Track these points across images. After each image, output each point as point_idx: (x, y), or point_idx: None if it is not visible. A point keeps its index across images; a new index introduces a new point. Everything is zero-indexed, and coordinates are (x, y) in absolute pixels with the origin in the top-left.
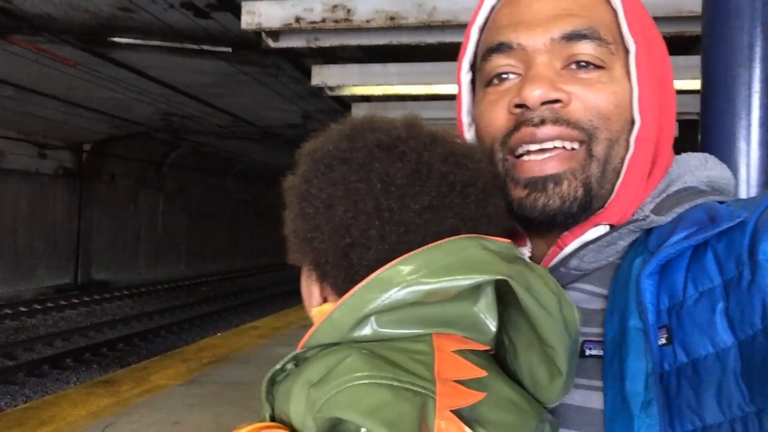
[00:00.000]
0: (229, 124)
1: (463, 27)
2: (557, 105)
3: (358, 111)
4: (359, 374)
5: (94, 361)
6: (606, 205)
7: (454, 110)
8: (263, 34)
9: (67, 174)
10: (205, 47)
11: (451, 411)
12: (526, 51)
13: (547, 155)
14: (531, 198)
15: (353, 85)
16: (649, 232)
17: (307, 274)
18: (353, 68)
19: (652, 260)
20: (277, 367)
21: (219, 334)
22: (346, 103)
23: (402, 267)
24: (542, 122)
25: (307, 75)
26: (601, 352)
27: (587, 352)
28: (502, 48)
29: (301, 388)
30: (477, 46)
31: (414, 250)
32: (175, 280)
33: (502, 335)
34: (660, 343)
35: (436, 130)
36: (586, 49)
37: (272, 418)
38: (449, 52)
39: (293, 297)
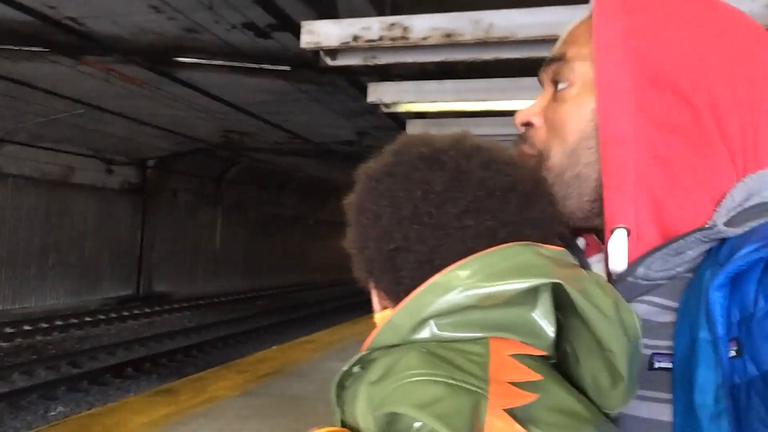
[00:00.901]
0: (285, 140)
1: (519, 43)
2: (528, 127)
3: (413, 128)
4: (416, 371)
5: (154, 371)
6: (600, 210)
7: (509, 126)
8: (321, 53)
9: (132, 189)
10: (265, 66)
11: (504, 410)
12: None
13: None
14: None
15: (408, 102)
16: (722, 244)
17: (368, 283)
18: (408, 85)
19: (721, 272)
20: (345, 369)
21: (274, 347)
22: (401, 120)
23: (459, 271)
24: (521, 140)
25: (363, 92)
26: (670, 365)
27: (656, 365)
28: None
29: (364, 388)
30: None
31: (454, 253)
32: (232, 294)
33: (563, 343)
34: (730, 355)
35: (482, 142)
36: (555, 70)
37: (343, 423)
38: (505, 69)
39: (346, 312)
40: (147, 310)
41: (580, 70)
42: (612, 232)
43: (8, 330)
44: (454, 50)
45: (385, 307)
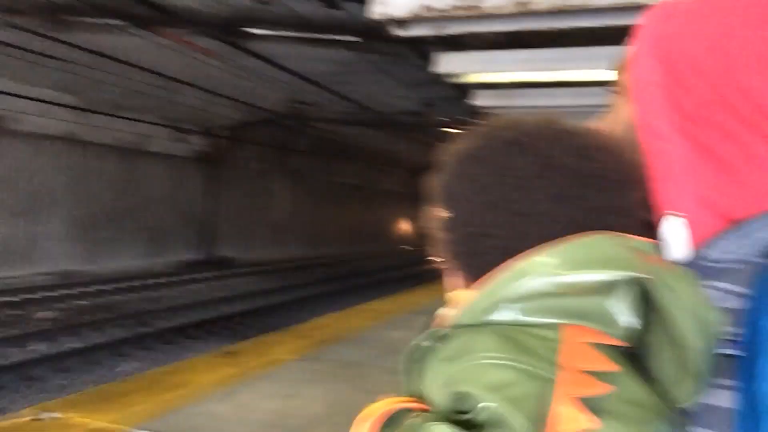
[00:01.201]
0: (351, 110)
1: (597, 11)
2: None
3: (481, 98)
4: (488, 354)
5: (218, 332)
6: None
7: (583, 97)
8: (391, 23)
9: (202, 158)
10: (333, 37)
11: (576, 398)
12: None
13: None
14: None
15: (476, 72)
16: None
17: (447, 263)
18: (477, 55)
19: None
20: (417, 342)
21: (332, 314)
22: (468, 91)
23: (541, 258)
24: None
25: (429, 62)
26: (734, 351)
27: (720, 351)
28: None
29: (435, 364)
30: None
31: (538, 240)
32: (293, 260)
33: (641, 333)
34: None
35: (572, 126)
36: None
37: (410, 394)
38: (580, 38)
39: (401, 282)
40: (212, 274)
41: (620, 78)
42: (663, 220)
43: (84, 289)
44: (528, 19)
45: (465, 287)
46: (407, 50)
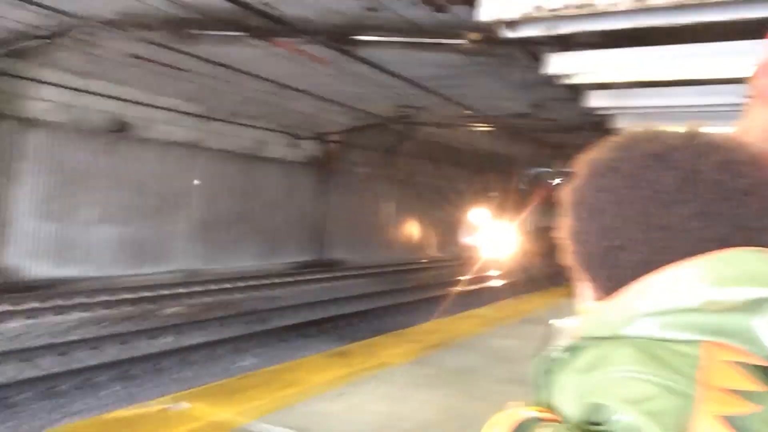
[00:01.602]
0: (458, 114)
1: (720, 5)
2: None
3: (595, 99)
4: (626, 367)
5: (329, 332)
6: None
7: (706, 96)
8: (500, 25)
9: (314, 162)
10: (442, 41)
11: (719, 417)
12: None
13: None
14: None
15: (590, 72)
16: None
17: (578, 274)
18: (591, 54)
19: None
20: (548, 354)
21: (442, 319)
22: (581, 91)
23: (682, 272)
24: None
25: (540, 63)
26: None
27: None
28: None
29: (569, 376)
30: None
31: (679, 255)
32: (402, 264)
33: None
34: None
35: (718, 137)
36: None
37: (539, 404)
38: (702, 33)
39: (513, 289)
40: (323, 275)
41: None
42: None
43: (207, 287)
44: (646, 15)
45: (598, 299)
46: (517, 51)
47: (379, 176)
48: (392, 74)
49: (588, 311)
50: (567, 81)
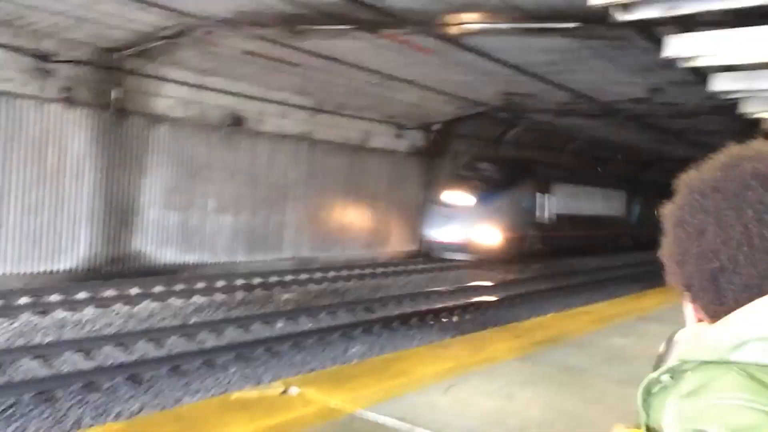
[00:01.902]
0: (568, 100)
1: None
2: None
3: (719, 82)
4: (734, 394)
5: (435, 323)
6: None
7: None
8: (614, 7)
9: (419, 152)
10: (551, 25)
11: None
12: None
13: None
14: None
15: (715, 54)
16: None
17: (682, 295)
18: (715, 35)
19: None
20: (653, 376)
21: (550, 314)
22: (702, 74)
23: None
24: None
25: (658, 45)
26: None
27: None
28: None
29: (672, 400)
30: None
31: None
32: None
33: None
34: None
35: None
36: None
37: (647, 427)
38: None
39: (626, 284)
40: (429, 265)
41: None
42: None
43: (317, 275)
44: None
45: (700, 320)
46: (633, 34)
47: None
48: (498, 61)
49: (693, 334)
50: (688, 64)
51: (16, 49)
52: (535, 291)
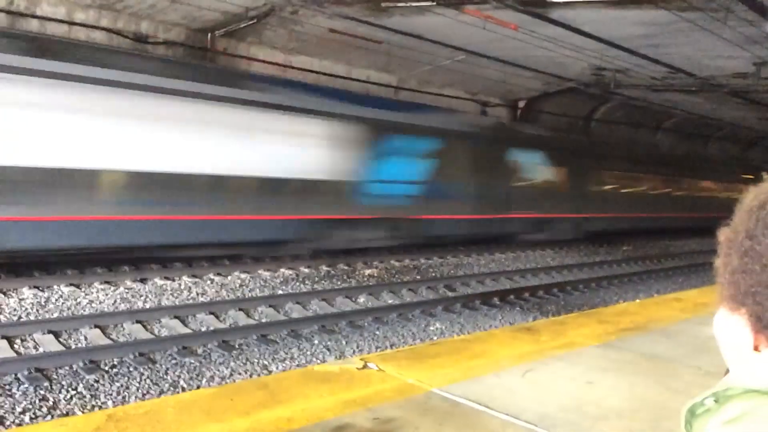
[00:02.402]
0: (664, 75)
1: None
2: None
3: None
4: None
5: (516, 304)
6: None
7: None
8: None
9: None
10: None
11: None
12: None
13: None
14: None
15: None
16: None
17: (737, 320)
18: None
19: None
20: (697, 400)
21: (637, 300)
22: None
23: None
24: None
25: (764, 15)
26: None
27: None
28: None
29: (715, 424)
30: None
31: None
32: (597, 236)
33: None
34: None
35: None
36: None
37: None
38: None
39: None
40: (513, 244)
41: None
42: None
43: (398, 252)
44: None
45: (756, 346)
46: (735, 3)
47: None
48: (588, 36)
49: (742, 359)
50: None
51: (117, 32)
52: (625, 274)
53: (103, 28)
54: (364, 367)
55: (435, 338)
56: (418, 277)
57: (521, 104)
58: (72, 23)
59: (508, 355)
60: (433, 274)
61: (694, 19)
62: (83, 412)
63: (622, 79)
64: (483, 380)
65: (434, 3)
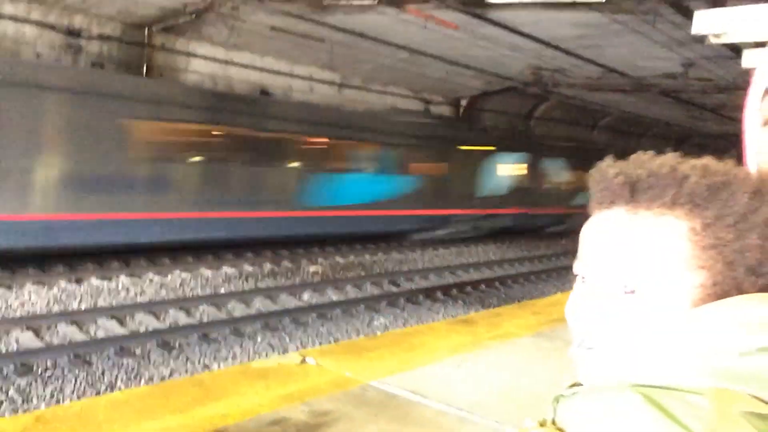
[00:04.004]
0: (599, 75)
1: None
2: None
3: (753, 58)
4: (629, 412)
5: (459, 298)
6: None
7: None
8: None
9: None
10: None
11: None
12: None
13: None
14: None
15: (746, 30)
16: None
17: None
18: (745, 10)
19: None
20: (567, 385)
21: (570, 291)
22: (737, 49)
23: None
24: None
25: (690, 19)
26: None
27: None
28: None
29: (575, 413)
30: None
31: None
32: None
33: None
34: None
35: None
36: None
37: (554, 423)
38: None
39: None
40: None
41: None
42: None
43: (343, 248)
44: None
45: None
46: (664, 7)
47: None
48: (526, 36)
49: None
50: (718, 41)
51: (49, 26)
52: (563, 267)
53: (34, 22)
54: (303, 362)
55: (379, 333)
56: (363, 273)
57: (464, 103)
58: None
59: (444, 347)
60: (378, 270)
61: (626, 21)
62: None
63: (559, 78)
64: (419, 371)
65: (376, 2)
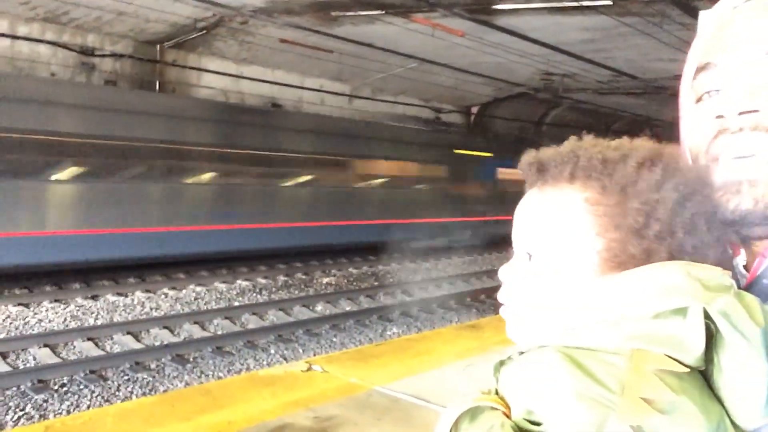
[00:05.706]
0: (609, 79)
1: None
2: (755, 114)
3: None
4: (552, 374)
5: (472, 306)
6: None
7: None
8: None
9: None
10: (586, 3)
11: (631, 426)
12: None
13: (744, 161)
14: (723, 199)
15: None
16: None
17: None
18: None
19: None
20: (507, 354)
21: None
22: None
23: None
24: (740, 130)
25: (697, 19)
26: None
27: None
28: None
29: (510, 376)
30: None
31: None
32: None
33: (711, 353)
34: None
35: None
36: None
37: (497, 393)
38: None
39: None
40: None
41: None
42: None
43: (356, 259)
44: None
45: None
46: (671, 8)
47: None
48: (534, 41)
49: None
50: None
51: (63, 46)
52: None
53: (48, 42)
54: (309, 369)
55: None
56: (376, 283)
57: (474, 110)
58: (15, 37)
59: (450, 352)
60: (391, 280)
61: (633, 24)
62: None
63: (569, 83)
64: (424, 376)
65: (383, 12)
